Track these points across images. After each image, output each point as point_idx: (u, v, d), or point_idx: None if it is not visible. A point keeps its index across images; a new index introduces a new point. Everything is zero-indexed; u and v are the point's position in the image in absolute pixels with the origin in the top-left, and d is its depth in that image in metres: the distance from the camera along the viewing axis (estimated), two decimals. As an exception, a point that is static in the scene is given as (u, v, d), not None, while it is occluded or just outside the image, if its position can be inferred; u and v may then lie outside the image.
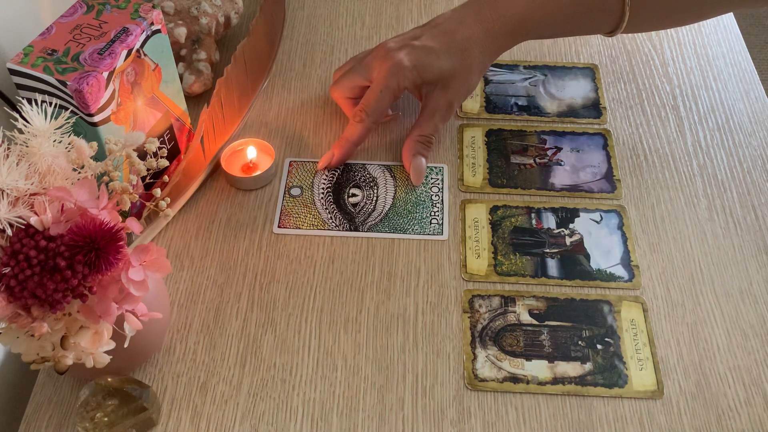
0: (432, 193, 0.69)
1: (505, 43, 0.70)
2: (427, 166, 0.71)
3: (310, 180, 0.71)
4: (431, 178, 0.71)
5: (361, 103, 0.69)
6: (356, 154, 0.73)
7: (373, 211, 0.68)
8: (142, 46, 0.59)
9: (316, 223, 0.67)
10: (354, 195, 0.69)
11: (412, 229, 0.67)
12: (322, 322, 0.61)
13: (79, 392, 0.55)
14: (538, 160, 0.72)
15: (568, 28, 0.71)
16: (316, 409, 0.56)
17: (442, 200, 0.69)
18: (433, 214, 0.68)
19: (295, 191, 0.70)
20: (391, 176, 0.71)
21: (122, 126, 0.60)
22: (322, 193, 0.70)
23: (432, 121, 0.70)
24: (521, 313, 0.61)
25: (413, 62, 0.68)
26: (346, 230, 0.67)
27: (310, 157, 0.72)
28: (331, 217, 0.68)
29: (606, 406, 0.57)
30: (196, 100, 0.76)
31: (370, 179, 0.71)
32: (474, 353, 0.59)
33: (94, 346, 0.48)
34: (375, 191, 0.70)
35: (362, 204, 0.69)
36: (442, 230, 0.67)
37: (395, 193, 0.70)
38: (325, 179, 0.71)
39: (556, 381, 0.58)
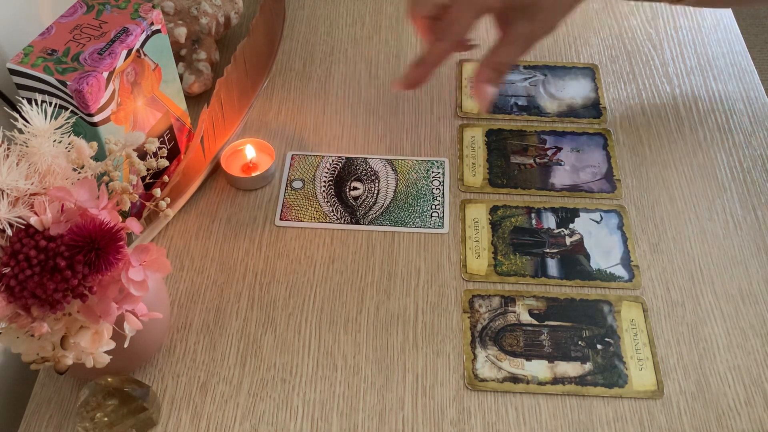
0: (433, 187, 0.70)
1: None
2: (428, 160, 0.71)
3: (312, 173, 0.71)
4: (432, 172, 0.71)
5: (444, 21, 0.63)
6: (357, 148, 0.73)
7: (374, 204, 0.68)
8: (142, 46, 0.59)
9: (317, 216, 0.67)
10: (355, 188, 0.70)
11: (413, 222, 0.67)
12: (322, 322, 0.61)
13: (79, 392, 0.55)
14: (538, 160, 0.72)
15: None
16: (316, 409, 0.56)
17: (443, 194, 0.69)
18: (433, 207, 0.68)
19: (297, 184, 0.70)
20: (393, 170, 0.71)
21: (122, 126, 0.60)
22: (324, 186, 0.70)
23: (508, 50, 0.65)
24: (521, 313, 0.61)
25: None
26: (348, 223, 0.67)
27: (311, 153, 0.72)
28: (332, 210, 0.68)
29: (606, 406, 0.57)
30: (196, 100, 0.76)
31: (372, 173, 0.71)
32: (474, 353, 0.59)
33: (94, 346, 0.48)
34: (376, 185, 0.70)
35: (363, 197, 0.69)
36: (443, 224, 0.67)
37: (396, 186, 0.70)
38: (327, 172, 0.71)
39: (556, 381, 0.58)
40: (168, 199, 0.56)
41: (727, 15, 0.86)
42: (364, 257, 0.65)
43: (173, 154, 0.68)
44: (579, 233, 0.66)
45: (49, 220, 0.45)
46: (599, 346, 0.59)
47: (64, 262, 0.44)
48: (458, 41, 0.64)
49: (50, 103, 0.54)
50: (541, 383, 0.57)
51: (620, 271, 0.64)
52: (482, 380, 0.58)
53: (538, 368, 0.58)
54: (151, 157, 0.53)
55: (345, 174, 0.71)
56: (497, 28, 0.68)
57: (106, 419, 0.52)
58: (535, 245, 0.66)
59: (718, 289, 0.63)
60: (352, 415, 0.56)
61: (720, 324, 0.61)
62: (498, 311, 0.61)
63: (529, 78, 0.79)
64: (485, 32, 0.84)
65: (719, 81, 0.79)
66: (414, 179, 0.70)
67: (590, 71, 0.80)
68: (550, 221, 0.67)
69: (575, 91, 0.78)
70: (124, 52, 0.57)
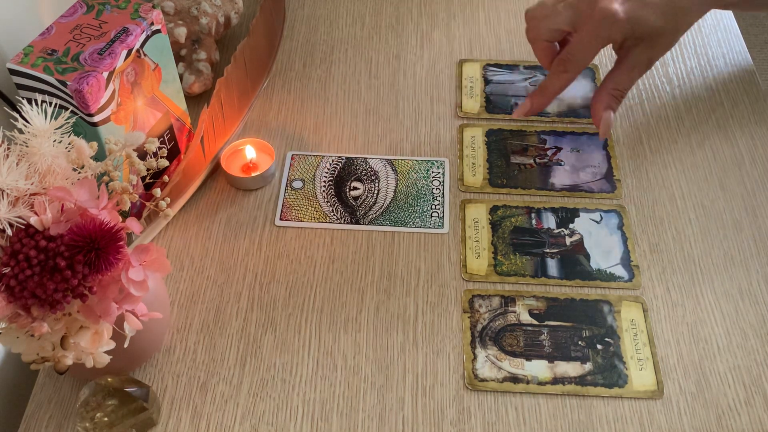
0: (433, 187, 0.70)
1: (714, 4, 0.66)
2: (428, 160, 0.71)
3: (312, 173, 0.71)
4: (432, 172, 0.71)
5: (566, 52, 0.65)
6: (357, 148, 0.73)
7: (374, 204, 0.68)
8: (142, 46, 0.59)
9: (317, 216, 0.67)
10: (355, 188, 0.70)
11: (413, 222, 0.67)
12: (322, 322, 0.61)
13: (79, 392, 0.55)
14: (538, 160, 0.72)
15: None
16: (316, 409, 0.56)
17: (443, 194, 0.69)
18: (433, 207, 0.68)
19: (297, 184, 0.70)
20: (393, 170, 0.71)
21: (122, 126, 0.60)
22: (324, 186, 0.70)
23: (629, 76, 0.66)
24: (521, 313, 0.61)
25: (628, 15, 0.63)
26: (348, 223, 0.67)
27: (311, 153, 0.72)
28: (332, 210, 0.68)
29: (606, 406, 0.57)
30: (196, 100, 0.76)
31: (372, 173, 0.71)
32: (474, 353, 0.59)
33: (94, 346, 0.48)
34: (376, 185, 0.70)
35: (363, 197, 0.69)
36: (443, 224, 0.67)
37: (396, 186, 0.70)
38: (327, 172, 0.71)
39: (556, 381, 0.58)
40: (168, 199, 0.56)
41: (727, 15, 0.86)
42: (364, 257, 0.65)
43: (173, 154, 0.68)
44: (579, 233, 0.66)
45: (49, 220, 0.45)
46: (599, 346, 0.59)
47: (64, 262, 0.44)
48: (579, 71, 0.66)
49: (50, 103, 0.54)
50: (541, 383, 0.57)
51: (620, 271, 0.64)
52: (482, 380, 0.58)
53: (538, 368, 0.58)
54: (151, 157, 0.53)
55: (345, 174, 0.71)
56: (614, 50, 0.69)
57: (106, 419, 0.52)
58: (535, 245, 0.66)
59: (718, 289, 0.63)
60: (352, 415, 0.56)
61: (720, 324, 0.61)
62: (498, 311, 0.61)
63: (530, 78, 0.79)
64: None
65: (719, 81, 0.79)
66: (414, 179, 0.70)
67: (590, 71, 0.80)
68: (550, 221, 0.67)
69: (575, 91, 0.78)
70: (124, 52, 0.57)
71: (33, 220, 0.45)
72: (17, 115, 0.46)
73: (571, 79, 0.66)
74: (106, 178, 0.50)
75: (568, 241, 0.66)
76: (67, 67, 0.55)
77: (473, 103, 0.77)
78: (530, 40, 0.69)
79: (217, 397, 0.57)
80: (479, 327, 0.60)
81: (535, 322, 0.61)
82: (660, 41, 0.66)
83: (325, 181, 0.70)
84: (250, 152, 0.70)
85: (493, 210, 0.68)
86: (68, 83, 0.54)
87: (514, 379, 0.58)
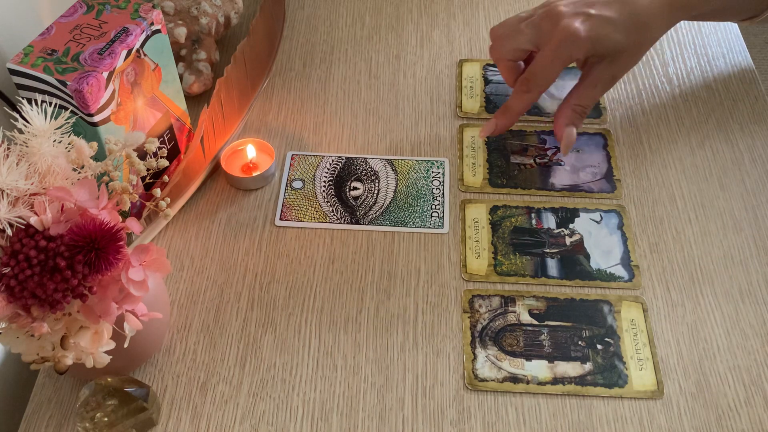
0: (433, 187, 0.70)
1: (678, 18, 0.66)
2: (428, 160, 0.71)
3: (312, 173, 0.71)
4: (432, 172, 0.71)
5: (529, 72, 0.65)
6: (357, 148, 0.73)
7: (374, 204, 0.68)
8: (142, 46, 0.59)
9: (317, 216, 0.67)
10: (355, 188, 0.70)
11: (413, 222, 0.67)
12: (322, 322, 0.61)
13: (79, 392, 0.55)
14: (538, 160, 0.72)
15: (727, 4, 0.69)
16: (316, 409, 0.56)
17: (443, 194, 0.69)
18: (433, 207, 0.68)
19: (297, 184, 0.70)
20: (392, 170, 0.71)
21: (122, 126, 0.60)
22: (324, 186, 0.70)
23: (592, 92, 0.66)
24: (521, 313, 0.61)
25: (589, 33, 0.63)
26: (348, 223, 0.67)
27: (311, 153, 0.72)
28: (332, 210, 0.68)
29: (606, 406, 0.57)
30: (196, 100, 0.76)
31: (372, 173, 0.71)
32: (474, 353, 0.59)
33: (94, 346, 0.48)
34: (376, 185, 0.70)
35: (363, 197, 0.69)
36: (443, 224, 0.67)
37: (396, 186, 0.70)
38: (327, 172, 0.71)
39: (556, 381, 0.58)
40: (168, 199, 0.56)
41: (727, 15, 0.86)
42: (364, 257, 0.65)
43: (173, 154, 0.68)
44: (579, 233, 0.66)
45: (49, 220, 0.45)
46: (599, 346, 0.59)
47: (64, 262, 0.44)
48: (542, 91, 0.65)
49: (50, 103, 0.54)
50: (541, 383, 0.57)
51: (620, 271, 0.64)
52: (482, 380, 0.58)
53: (538, 368, 0.58)
54: (151, 157, 0.53)
55: (345, 174, 0.71)
56: (578, 67, 0.69)
57: (106, 419, 0.52)
58: (535, 245, 0.66)
59: (718, 289, 0.63)
60: (352, 415, 0.56)
61: (720, 324, 0.61)
62: (498, 311, 0.61)
63: (529, 78, 0.79)
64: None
65: (719, 81, 0.79)
66: (414, 179, 0.70)
67: (590, 71, 0.80)
68: (550, 221, 0.67)
69: (575, 91, 0.78)
70: (124, 52, 0.57)
71: (33, 220, 0.45)
72: (17, 115, 0.46)
73: (534, 99, 0.66)
74: (106, 178, 0.50)
75: (568, 241, 0.66)
76: (67, 67, 0.55)
77: (473, 103, 0.77)
78: (494, 59, 0.69)
79: (217, 397, 0.57)
80: (479, 327, 0.60)
81: (535, 322, 0.61)
82: (623, 58, 0.65)
83: (325, 181, 0.70)
84: (250, 152, 0.70)
85: (493, 210, 0.68)
86: (68, 83, 0.54)
87: (514, 379, 0.58)
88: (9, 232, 0.44)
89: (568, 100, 0.67)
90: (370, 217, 0.68)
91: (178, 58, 0.75)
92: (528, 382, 0.57)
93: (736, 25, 0.85)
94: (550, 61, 0.64)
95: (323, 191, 0.69)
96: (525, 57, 0.68)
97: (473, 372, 0.58)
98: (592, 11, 0.64)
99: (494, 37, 0.69)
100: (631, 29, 0.64)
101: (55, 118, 0.47)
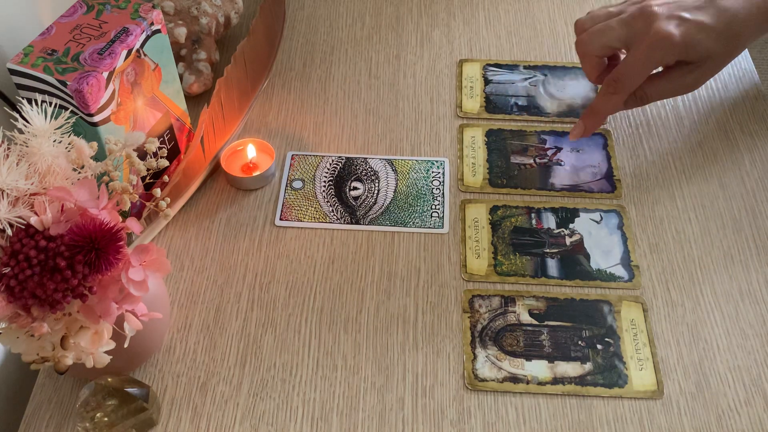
0: (433, 187, 0.70)
1: (765, 30, 0.64)
2: (428, 160, 0.71)
3: (312, 173, 0.71)
4: (432, 172, 0.71)
5: (617, 72, 0.63)
6: (357, 148, 0.73)
7: (374, 204, 0.68)
8: (142, 46, 0.59)
9: (317, 216, 0.67)
10: (355, 188, 0.70)
11: (413, 222, 0.67)
12: (322, 322, 0.61)
13: (79, 392, 0.55)
14: (538, 160, 0.72)
15: None
16: (316, 409, 0.56)
17: (443, 194, 0.69)
18: (433, 207, 0.68)
19: (297, 184, 0.70)
20: (393, 170, 0.71)
21: (122, 126, 0.60)
22: (324, 186, 0.70)
23: (666, 90, 0.64)
24: (521, 313, 0.61)
25: (684, 39, 0.61)
26: (348, 223, 0.67)
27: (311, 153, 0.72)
28: (332, 210, 0.68)
29: (606, 406, 0.57)
30: (196, 100, 0.76)
31: (372, 173, 0.71)
32: (474, 353, 0.59)
33: (94, 346, 0.48)
34: (376, 185, 0.70)
35: (363, 197, 0.69)
36: (443, 223, 0.67)
37: (396, 186, 0.70)
38: (327, 172, 0.71)
39: (556, 381, 0.58)
40: (168, 199, 0.56)
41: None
42: (364, 257, 0.65)
43: (173, 154, 0.68)
44: (579, 233, 0.66)
45: (49, 220, 0.45)
46: (599, 346, 0.59)
47: (64, 262, 0.44)
48: (629, 92, 0.63)
49: (50, 103, 0.54)
50: (541, 383, 0.57)
51: (620, 271, 0.64)
52: (482, 380, 0.58)
53: (538, 368, 0.58)
54: (151, 157, 0.53)
55: (345, 174, 0.71)
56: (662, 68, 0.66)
57: (106, 419, 0.52)
58: (535, 245, 0.66)
59: (718, 289, 0.63)
60: (352, 415, 0.56)
61: (720, 324, 0.61)
62: (498, 311, 0.61)
63: (529, 78, 0.79)
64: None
65: (719, 81, 0.79)
66: (414, 179, 0.70)
67: (590, 71, 0.80)
68: (550, 221, 0.67)
69: (575, 91, 0.78)
70: (124, 52, 0.57)
71: (33, 220, 0.45)
72: (17, 115, 0.46)
73: (621, 100, 0.65)
74: (106, 178, 0.50)
75: (568, 241, 0.66)
76: (67, 67, 0.55)
77: (473, 103, 0.77)
78: (580, 53, 0.67)
79: (217, 397, 0.57)
80: (479, 327, 0.60)
81: (535, 322, 0.61)
82: (709, 65, 0.64)
83: (325, 181, 0.70)
84: (250, 152, 0.70)
85: (493, 210, 0.68)
86: (68, 83, 0.54)
87: (514, 379, 0.58)
88: (9, 232, 0.44)
89: (636, 90, 0.65)
90: (370, 217, 0.68)
91: (178, 58, 0.75)
92: (528, 382, 0.57)
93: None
94: (641, 64, 0.62)
95: (323, 191, 0.69)
96: (611, 54, 0.66)
97: (473, 372, 0.58)
98: (688, 15, 0.61)
99: (581, 30, 0.67)
100: (723, 38, 0.62)
101: (55, 118, 0.47)
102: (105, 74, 0.56)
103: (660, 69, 0.67)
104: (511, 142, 0.74)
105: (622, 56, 0.69)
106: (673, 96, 0.67)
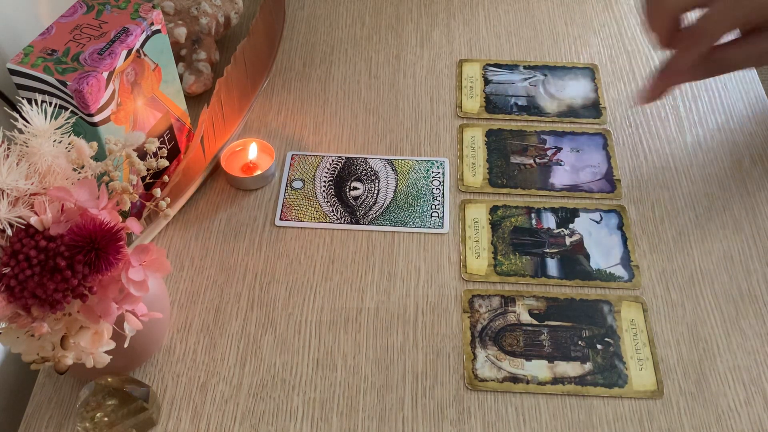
0: (433, 187, 0.70)
1: None
2: (428, 160, 0.71)
3: (312, 173, 0.71)
4: (432, 172, 0.71)
5: (695, 26, 0.58)
6: (357, 148, 0.73)
7: (374, 204, 0.68)
8: (142, 46, 0.59)
9: (317, 216, 0.67)
10: (355, 188, 0.70)
11: (413, 222, 0.67)
12: (322, 322, 0.61)
13: (79, 392, 0.55)
14: (538, 160, 0.72)
15: None
16: (316, 409, 0.56)
17: (443, 194, 0.69)
18: (433, 207, 0.68)
19: (297, 184, 0.70)
20: (393, 170, 0.71)
21: (122, 126, 0.60)
22: (324, 186, 0.70)
23: (751, 56, 0.59)
24: (521, 313, 0.61)
25: None
26: (348, 223, 0.67)
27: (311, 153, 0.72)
28: (332, 210, 0.68)
29: (606, 406, 0.57)
30: (196, 100, 0.76)
31: (372, 173, 0.71)
32: (474, 353, 0.59)
33: (94, 346, 0.48)
34: (376, 185, 0.70)
35: (363, 197, 0.69)
36: (443, 224, 0.67)
37: (396, 186, 0.70)
38: (327, 172, 0.71)
39: (556, 381, 0.58)
40: (168, 199, 0.56)
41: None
42: (364, 257, 0.65)
43: (173, 154, 0.68)
44: (579, 233, 0.66)
45: (49, 220, 0.45)
46: (599, 346, 0.59)
47: (64, 262, 0.44)
48: (707, 48, 0.58)
49: (50, 103, 0.54)
50: (541, 383, 0.57)
51: (620, 271, 0.64)
52: (482, 380, 0.58)
53: (538, 368, 0.58)
54: (151, 157, 0.53)
55: (345, 174, 0.71)
56: (741, 33, 0.61)
57: (106, 419, 0.52)
58: (535, 245, 0.66)
59: (718, 289, 0.63)
60: (352, 415, 0.56)
61: (720, 324, 0.61)
62: (498, 311, 0.61)
63: (529, 78, 0.79)
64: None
65: (719, 81, 0.79)
66: (414, 179, 0.70)
67: (590, 71, 0.80)
68: (550, 221, 0.67)
69: (575, 91, 0.78)
70: (124, 52, 0.57)
71: (33, 220, 0.45)
72: (17, 115, 0.46)
73: (696, 55, 0.59)
74: (106, 178, 0.50)
75: (568, 241, 0.66)
76: (67, 67, 0.55)
77: (473, 103, 0.77)
78: (652, 12, 0.61)
79: (217, 397, 0.57)
80: (479, 327, 0.60)
81: (535, 322, 0.61)
82: None
83: (325, 181, 0.70)
84: (250, 152, 0.70)
85: (493, 210, 0.68)
86: (68, 83, 0.54)
87: (514, 379, 0.58)
88: (9, 232, 0.44)
89: (712, 48, 0.59)
90: (370, 217, 0.68)
91: (178, 58, 0.75)
92: (528, 382, 0.57)
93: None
94: (723, 16, 0.57)
95: (323, 191, 0.69)
96: (688, 11, 0.59)
97: (473, 372, 0.58)
98: None
99: None
100: None
101: (55, 118, 0.47)
102: (105, 74, 0.56)
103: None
104: (511, 142, 0.74)
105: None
106: (755, 65, 0.62)
